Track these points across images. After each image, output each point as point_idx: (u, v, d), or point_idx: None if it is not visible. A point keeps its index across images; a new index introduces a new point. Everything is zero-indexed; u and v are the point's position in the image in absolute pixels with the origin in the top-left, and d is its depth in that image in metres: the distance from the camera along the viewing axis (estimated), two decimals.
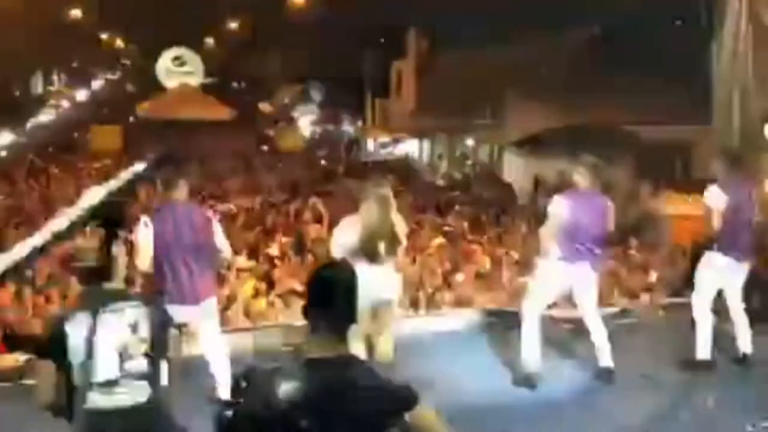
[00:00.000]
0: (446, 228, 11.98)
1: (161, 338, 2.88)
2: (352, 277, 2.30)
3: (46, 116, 39.53)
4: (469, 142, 24.55)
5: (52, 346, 2.80)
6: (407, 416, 2.17)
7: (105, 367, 2.79)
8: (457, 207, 14.67)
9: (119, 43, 56.76)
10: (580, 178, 5.29)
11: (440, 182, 21.37)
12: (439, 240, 11.09)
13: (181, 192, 4.73)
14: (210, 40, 52.97)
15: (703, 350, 5.41)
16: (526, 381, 5.17)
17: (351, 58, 31.52)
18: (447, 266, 9.64)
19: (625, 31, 19.25)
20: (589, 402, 5.00)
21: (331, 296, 2.23)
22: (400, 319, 5.75)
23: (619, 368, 5.29)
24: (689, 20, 11.47)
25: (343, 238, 4.82)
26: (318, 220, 11.30)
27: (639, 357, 5.73)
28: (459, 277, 9.20)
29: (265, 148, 27.26)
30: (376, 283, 4.67)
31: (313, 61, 36.59)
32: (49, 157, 21.19)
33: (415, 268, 9.12)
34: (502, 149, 22.20)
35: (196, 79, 32.38)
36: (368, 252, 4.71)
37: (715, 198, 5.27)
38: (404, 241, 5.03)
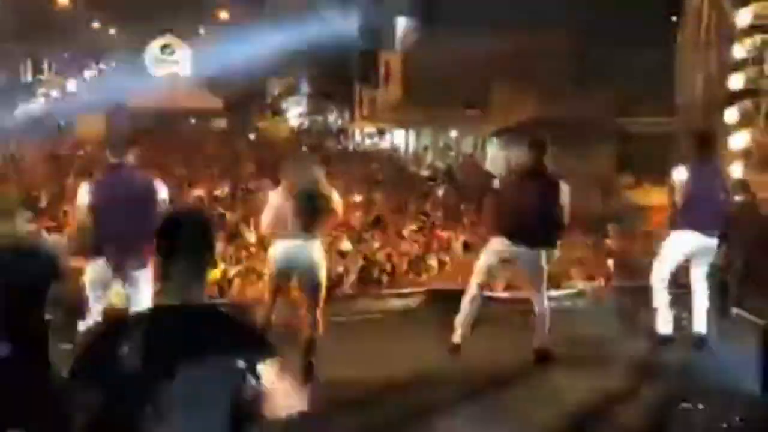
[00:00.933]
0: (421, 216, 12.07)
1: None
2: (200, 222, 2.26)
3: (34, 104, 39.43)
4: (453, 133, 24.63)
5: None
6: (258, 369, 2.08)
7: None
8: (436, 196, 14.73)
9: (111, 31, 56.59)
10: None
11: (424, 173, 21.44)
12: (413, 227, 11.24)
13: (128, 158, 4.69)
14: (201, 30, 52.83)
15: (664, 326, 5.52)
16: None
17: (340, 49, 31.52)
18: (418, 250, 9.75)
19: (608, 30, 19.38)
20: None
21: (180, 242, 2.17)
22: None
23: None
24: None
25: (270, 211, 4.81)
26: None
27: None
28: (430, 260, 9.34)
29: (252, 136, 27.30)
30: (302, 256, 4.70)
31: (303, 52, 36.58)
32: (33, 145, 21.19)
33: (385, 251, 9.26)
34: (486, 140, 22.31)
35: (184, 69, 32.37)
36: (296, 222, 4.68)
37: (679, 174, 5.38)
38: (339, 211, 4.98)
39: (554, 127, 18.54)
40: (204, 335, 2.09)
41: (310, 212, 4.72)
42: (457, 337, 5.33)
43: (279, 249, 4.79)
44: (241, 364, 2.07)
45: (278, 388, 2.13)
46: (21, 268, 3.10)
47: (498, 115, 20.96)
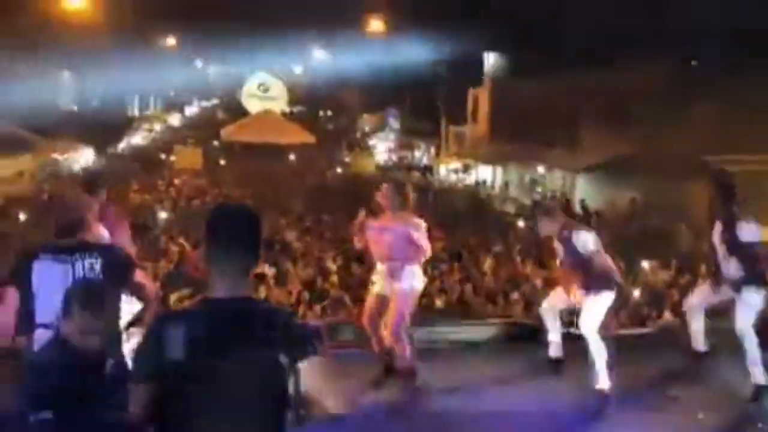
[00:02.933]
0: (496, 249, 11.90)
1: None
2: (250, 217, 2.27)
3: (139, 138, 41.77)
4: (540, 169, 24.22)
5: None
6: (302, 365, 2.11)
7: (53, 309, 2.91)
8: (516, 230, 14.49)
9: (212, 70, 59.62)
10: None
11: (508, 208, 21.14)
12: (490, 261, 11.10)
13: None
14: (298, 70, 54.88)
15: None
16: None
17: (428, 85, 31.88)
18: (498, 285, 9.61)
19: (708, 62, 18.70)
20: None
21: (230, 236, 2.20)
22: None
23: None
24: None
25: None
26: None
27: None
28: (511, 294, 9.15)
29: (338, 170, 27.84)
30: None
31: (392, 89, 37.24)
32: (134, 176, 22.44)
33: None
34: (575, 177, 21.79)
35: (279, 105, 33.48)
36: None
37: None
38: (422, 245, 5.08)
39: (645, 165, 18.03)
40: (247, 328, 2.12)
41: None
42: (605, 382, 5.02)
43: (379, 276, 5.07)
44: (283, 359, 2.09)
45: (322, 387, 2.14)
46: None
47: (587, 150, 20.50)
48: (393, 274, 4.98)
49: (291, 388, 2.11)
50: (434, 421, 4.71)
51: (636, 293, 8.54)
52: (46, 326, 2.98)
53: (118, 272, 3.17)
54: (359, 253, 10.34)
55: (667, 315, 8.16)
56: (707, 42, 18.36)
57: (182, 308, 2.36)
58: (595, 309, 5.10)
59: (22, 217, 13.17)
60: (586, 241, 5.02)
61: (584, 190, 21.43)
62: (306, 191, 19.39)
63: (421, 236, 5.01)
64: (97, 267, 3.09)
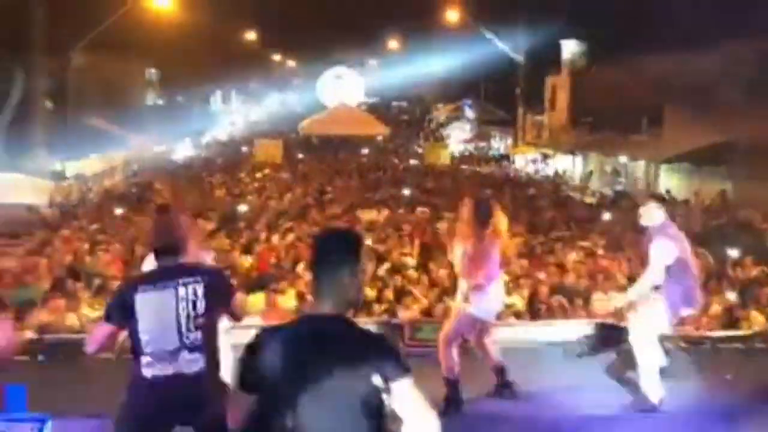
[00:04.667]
0: (582, 244, 11.60)
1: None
2: (340, 238, 2.40)
3: (221, 132, 42.99)
4: (623, 158, 23.48)
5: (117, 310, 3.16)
6: (394, 386, 2.17)
7: (163, 337, 3.07)
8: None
9: (290, 63, 60.67)
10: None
11: (589, 199, 20.60)
12: (575, 256, 10.82)
13: None
14: (372, 61, 55.14)
15: None
16: None
17: (504, 74, 31.39)
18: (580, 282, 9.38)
19: None
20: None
21: (327, 258, 2.32)
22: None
23: None
24: None
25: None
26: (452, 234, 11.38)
27: None
28: (595, 294, 8.90)
29: (412, 162, 27.83)
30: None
31: (467, 78, 36.89)
32: (218, 169, 23.11)
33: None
34: (658, 166, 21.02)
35: (354, 98, 33.79)
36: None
37: None
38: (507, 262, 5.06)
39: (734, 154, 17.19)
40: (341, 347, 2.21)
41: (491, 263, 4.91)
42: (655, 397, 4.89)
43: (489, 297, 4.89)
44: (376, 379, 2.16)
45: (414, 407, 2.19)
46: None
47: (672, 139, 19.72)
48: (466, 294, 4.94)
49: (384, 408, 2.18)
50: (505, 424, 4.70)
51: (732, 295, 8.11)
52: (154, 354, 3.08)
53: (219, 296, 3.20)
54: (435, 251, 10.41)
55: (755, 314, 7.78)
56: None
57: (282, 323, 2.46)
58: (646, 317, 4.97)
59: (118, 211, 13.71)
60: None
61: (668, 181, 20.67)
62: (380, 184, 19.44)
63: (491, 255, 4.89)
64: (200, 291, 3.13)
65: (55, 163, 18.26)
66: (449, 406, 4.75)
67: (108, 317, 3.20)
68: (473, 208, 4.98)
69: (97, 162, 21.22)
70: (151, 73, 34.81)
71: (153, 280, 3.19)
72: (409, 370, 2.22)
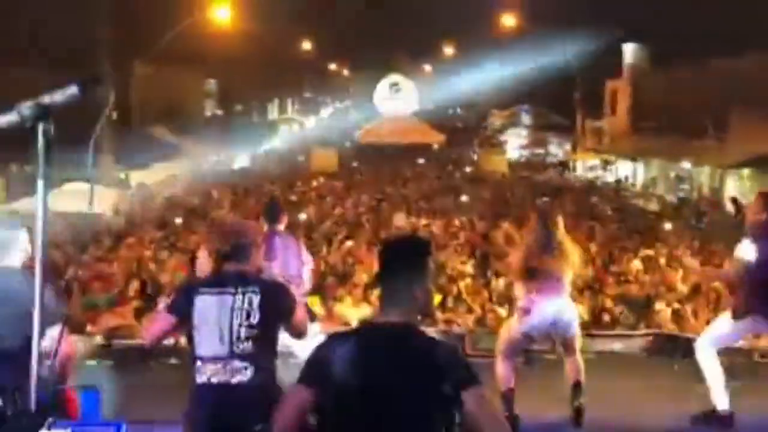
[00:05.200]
0: (644, 254, 11.30)
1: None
2: (418, 248, 2.36)
3: (277, 140, 43.64)
4: (686, 164, 22.80)
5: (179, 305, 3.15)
6: (466, 395, 2.14)
7: (214, 344, 3.05)
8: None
9: (345, 72, 61.25)
10: None
11: (652, 207, 20.08)
12: (638, 265, 10.58)
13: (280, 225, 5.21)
14: (428, 67, 55.17)
15: None
16: None
17: (564, 78, 30.93)
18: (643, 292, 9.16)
19: None
20: None
21: (396, 266, 2.30)
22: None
23: None
24: None
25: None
26: (509, 243, 11.24)
27: None
28: (658, 305, 8.66)
29: (468, 170, 27.66)
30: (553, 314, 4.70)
31: (524, 83, 36.49)
32: (275, 178, 23.45)
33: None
34: (725, 172, 20.34)
35: (410, 106, 33.84)
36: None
37: None
38: (575, 273, 4.89)
39: None
40: (408, 356, 2.18)
41: (555, 273, 4.73)
42: (721, 404, 4.69)
43: (535, 310, 4.76)
44: (447, 388, 2.13)
45: (488, 415, 2.17)
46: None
47: (738, 144, 19.05)
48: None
49: (453, 420, 2.13)
50: None
51: None
52: (205, 359, 3.06)
53: (277, 309, 3.14)
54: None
55: None
56: None
57: (350, 330, 2.45)
58: (715, 323, 4.82)
59: (177, 221, 14.01)
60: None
61: (735, 188, 19.97)
62: (436, 192, 19.38)
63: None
64: (256, 302, 3.07)
65: (120, 173, 18.82)
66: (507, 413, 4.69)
67: (170, 309, 3.18)
68: (538, 219, 4.92)
69: (159, 171, 21.78)
70: (211, 84, 35.64)
71: (213, 284, 3.17)
72: (479, 378, 2.19)
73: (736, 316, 4.66)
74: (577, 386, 4.75)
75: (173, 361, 5.90)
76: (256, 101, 41.30)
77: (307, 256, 5.36)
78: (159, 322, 3.25)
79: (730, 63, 19.53)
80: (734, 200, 17.81)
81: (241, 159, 32.23)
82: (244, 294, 3.08)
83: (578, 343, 4.88)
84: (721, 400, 4.66)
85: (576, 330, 4.85)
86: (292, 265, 5.06)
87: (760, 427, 4.73)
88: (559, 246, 4.74)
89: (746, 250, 4.55)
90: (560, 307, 4.73)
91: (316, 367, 2.23)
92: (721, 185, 20.56)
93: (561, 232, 4.82)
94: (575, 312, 4.91)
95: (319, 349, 2.29)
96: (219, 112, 37.23)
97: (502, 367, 4.78)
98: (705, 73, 20.77)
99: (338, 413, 2.18)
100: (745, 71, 18.90)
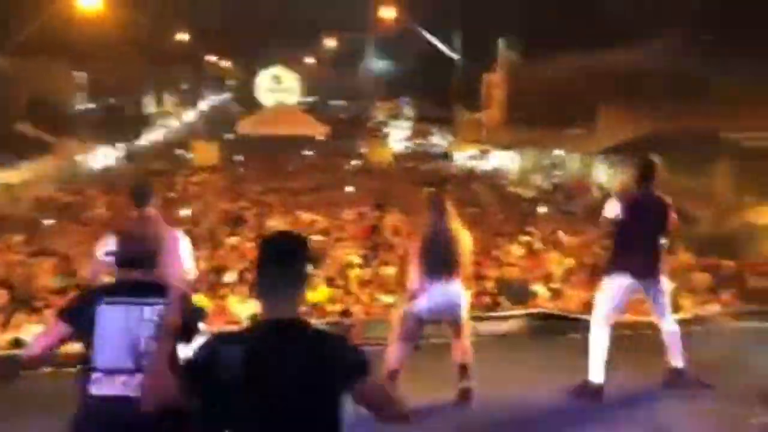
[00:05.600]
0: (522, 239, 11.87)
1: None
2: (297, 244, 2.38)
3: (155, 134, 41.96)
4: (559, 152, 24.08)
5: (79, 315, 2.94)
6: (358, 384, 2.19)
7: (119, 356, 2.90)
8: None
9: (225, 63, 59.76)
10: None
11: (528, 194, 21.05)
12: (515, 250, 11.09)
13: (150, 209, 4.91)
14: (310, 59, 54.84)
15: None
16: None
17: (442, 71, 31.72)
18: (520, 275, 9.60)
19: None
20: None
21: (273, 262, 2.30)
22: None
23: None
24: None
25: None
26: (396, 232, 11.45)
27: None
28: (535, 287, 9.11)
29: (354, 162, 27.82)
30: (446, 299, 4.81)
31: (405, 76, 37.13)
32: (154, 174, 22.55)
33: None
34: (593, 159, 21.65)
35: (292, 97, 33.60)
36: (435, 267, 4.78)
37: None
38: (466, 258, 5.01)
39: (666, 145, 17.85)
40: (298, 350, 2.20)
41: (450, 257, 4.83)
42: (597, 377, 5.03)
43: (428, 294, 4.85)
44: (339, 380, 2.18)
45: (382, 397, 2.26)
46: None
47: (605, 133, 20.33)
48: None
49: (343, 410, 2.19)
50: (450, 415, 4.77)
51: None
52: (105, 371, 2.91)
53: (186, 323, 2.97)
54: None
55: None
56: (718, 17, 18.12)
57: (237, 330, 2.42)
58: (598, 297, 5.17)
59: (46, 222, 13.24)
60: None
61: (603, 173, 21.29)
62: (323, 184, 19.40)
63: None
64: (164, 312, 2.92)
65: None
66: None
67: (66, 318, 2.98)
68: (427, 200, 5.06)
69: (26, 170, 20.42)
70: (81, 76, 33.69)
71: (120, 293, 3.00)
72: (370, 366, 2.24)
73: (608, 273, 5.00)
74: (463, 368, 4.93)
75: (47, 369, 5.57)
76: (130, 94, 39.42)
77: (187, 247, 5.05)
78: (52, 331, 3.01)
79: (595, 57, 20.75)
80: (600, 186, 19.05)
81: (116, 155, 30.77)
82: (152, 305, 2.95)
83: (467, 326, 5.05)
84: (596, 373, 4.99)
85: (465, 314, 5.01)
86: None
87: (630, 398, 5.07)
88: (451, 231, 4.87)
89: (610, 209, 4.93)
90: (451, 292, 4.87)
91: (201, 369, 2.19)
92: (591, 171, 21.85)
93: (452, 218, 4.96)
94: (465, 296, 5.06)
95: (205, 349, 2.25)
96: (91, 105, 35.26)
97: (393, 350, 4.89)
98: (573, 67, 21.93)
99: (227, 414, 2.15)
100: (611, 65, 20.16)
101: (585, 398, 4.94)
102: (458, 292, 4.91)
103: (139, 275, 3.04)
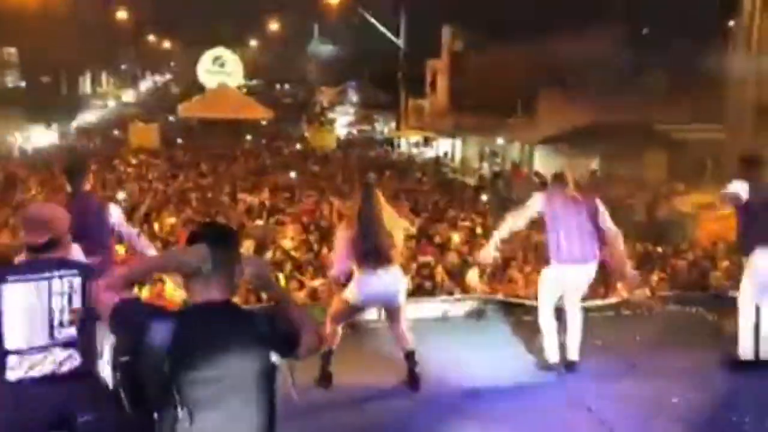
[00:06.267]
0: (463, 225, 12.04)
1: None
2: (227, 234, 2.46)
3: (91, 115, 40.75)
4: (500, 140, 24.47)
5: None
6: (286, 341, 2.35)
7: (31, 334, 2.83)
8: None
9: (165, 44, 58.32)
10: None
11: (470, 181, 21.34)
12: (457, 236, 11.23)
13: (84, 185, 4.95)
14: (253, 42, 53.99)
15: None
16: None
17: (387, 58, 31.73)
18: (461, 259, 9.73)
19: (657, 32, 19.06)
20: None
21: (212, 250, 2.34)
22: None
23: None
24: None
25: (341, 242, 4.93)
26: (339, 217, 11.45)
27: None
28: (471, 272, 9.26)
29: (298, 147, 27.65)
30: (381, 287, 4.84)
31: (350, 62, 37.00)
32: (90, 155, 21.90)
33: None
34: (533, 147, 22.10)
35: (235, 80, 33.02)
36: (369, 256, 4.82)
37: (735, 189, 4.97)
38: (399, 244, 5.03)
39: (601, 135, 18.39)
40: (231, 329, 2.27)
41: (383, 244, 4.85)
42: (553, 356, 5.26)
43: (363, 283, 4.87)
44: (272, 355, 2.27)
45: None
46: None
47: (545, 121, 20.77)
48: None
49: (276, 384, 2.29)
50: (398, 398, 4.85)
51: None
52: (21, 352, 2.82)
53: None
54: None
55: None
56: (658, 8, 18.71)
57: (169, 310, 2.42)
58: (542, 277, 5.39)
59: None
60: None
61: (542, 162, 21.75)
62: (264, 168, 19.23)
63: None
64: (77, 284, 2.89)
65: None
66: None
67: None
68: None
69: None
70: (10, 53, 32.40)
71: (24, 270, 2.91)
72: (300, 342, 2.38)
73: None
74: (409, 355, 5.02)
75: None
76: (65, 72, 38.11)
77: (121, 216, 5.07)
78: None
79: (537, 47, 21.12)
80: (536, 173, 19.46)
81: (49, 136, 29.75)
82: (62, 278, 2.88)
83: (404, 312, 5.11)
84: (551, 353, 5.24)
85: (402, 300, 5.07)
86: (97, 232, 4.74)
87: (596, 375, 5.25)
88: (381, 218, 4.92)
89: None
90: (387, 278, 4.92)
91: (131, 329, 2.23)
92: (531, 159, 22.30)
93: (383, 205, 5.01)
94: (402, 282, 5.11)
95: (132, 332, 2.25)
96: (21, 84, 33.96)
97: (327, 329, 4.94)
98: (516, 56, 22.29)
99: (163, 397, 2.18)
100: (551, 54, 20.56)
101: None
102: (394, 279, 4.95)
103: (47, 255, 2.96)
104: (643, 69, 18.42)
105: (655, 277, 8.57)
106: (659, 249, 10.98)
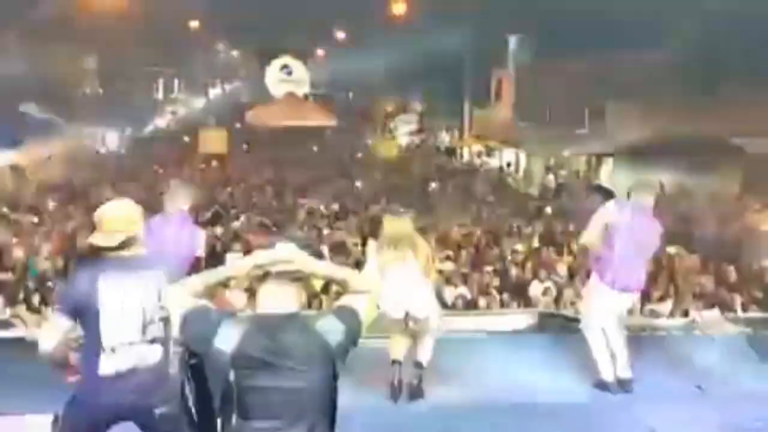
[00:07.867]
0: (525, 236, 11.87)
1: None
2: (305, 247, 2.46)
3: (162, 121, 42.08)
4: (566, 152, 24.04)
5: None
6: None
7: (124, 329, 2.94)
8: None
9: (234, 53, 59.75)
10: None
11: (533, 192, 21.04)
12: (519, 248, 11.08)
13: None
14: (320, 51, 54.76)
15: None
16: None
17: (452, 67, 31.63)
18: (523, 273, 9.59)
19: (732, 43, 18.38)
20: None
21: None
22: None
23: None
24: None
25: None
26: None
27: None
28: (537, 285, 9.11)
29: (359, 155, 27.84)
30: (405, 293, 4.80)
31: (415, 71, 37.00)
32: (160, 159, 22.64)
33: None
34: (600, 160, 21.62)
35: (302, 88, 33.52)
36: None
37: None
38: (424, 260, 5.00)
39: (672, 148, 17.83)
40: (298, 341, 2.29)
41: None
42: (608, 375, 5.11)
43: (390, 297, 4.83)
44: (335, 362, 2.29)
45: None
46: None
47: (613, 134, 20.31)
48: None
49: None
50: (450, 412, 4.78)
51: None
52: (111, 349, 2.92)
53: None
54: None
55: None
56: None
57: (234, 314, 2.49)
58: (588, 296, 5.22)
59: (51, 205, 13.28)
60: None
61: (608, 175, 21.25)
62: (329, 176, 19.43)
63: None
64: (163, 282, 2.94)
65: None
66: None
67: (67, 310, 2.94)
68: None
69: (33, 152, 20.52)
70: (90, 61, 33.78)
71: (117, 264, 2.99)
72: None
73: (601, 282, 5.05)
74: (417, 365, 4.95)
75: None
76: (139, 80, 39.51)
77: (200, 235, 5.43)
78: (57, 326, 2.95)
79: (606, 58, 20.70)
80: (598, 187, 19.01)
81: (123, 140, 30.89)
82: (150, 276, 2.99)
83: (432, 324, 4.99)
84: (605, 370, 5.07)
85: (429, 313, 4.96)
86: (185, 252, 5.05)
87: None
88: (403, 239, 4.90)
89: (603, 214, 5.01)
90: (412, 294, 4.87)
91: (201, 333, 2.27)
92: (597, 172, 21.82)
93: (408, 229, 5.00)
94: (429, 296, 5.02)
95: (205, 318, 2.30)
96: (100, 90, 35.33)
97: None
98: (584, 68, 21.88)
99: (219, 389, 2.23)
100: (620, 67, 20.12)
101: (612, 391, 5.04)
102: (419, 293, 4.91)
103: (129, 252, 3.03)
104: (719, 80, 17.77)
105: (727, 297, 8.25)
106: (731, 268, 10.54)
